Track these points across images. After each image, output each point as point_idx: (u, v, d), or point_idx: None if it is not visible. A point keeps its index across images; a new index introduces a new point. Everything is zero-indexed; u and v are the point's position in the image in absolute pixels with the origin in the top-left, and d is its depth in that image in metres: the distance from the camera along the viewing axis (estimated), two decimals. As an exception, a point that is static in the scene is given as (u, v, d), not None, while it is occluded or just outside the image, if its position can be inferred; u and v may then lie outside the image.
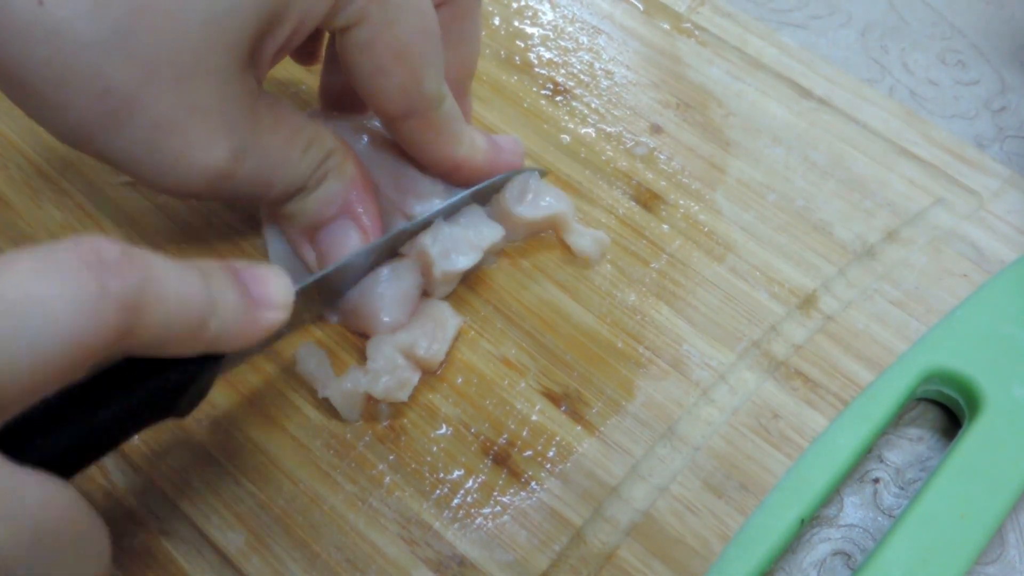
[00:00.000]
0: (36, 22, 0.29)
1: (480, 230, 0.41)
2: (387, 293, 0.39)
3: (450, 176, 0.41)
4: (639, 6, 0.54)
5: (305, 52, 0.44)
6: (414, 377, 0.38)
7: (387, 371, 0.37)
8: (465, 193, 0.41)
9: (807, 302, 0.43)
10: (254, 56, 0.33)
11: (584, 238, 0.43)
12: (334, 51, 0.40)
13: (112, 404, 0.27)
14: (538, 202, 0.43)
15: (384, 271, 0.39)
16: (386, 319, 0.39)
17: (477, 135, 0.41)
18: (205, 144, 0.33)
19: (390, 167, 0.42)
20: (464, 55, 0.41)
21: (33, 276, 0.22)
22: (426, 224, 0.40)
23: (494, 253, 0.43)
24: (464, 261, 0.40)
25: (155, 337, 0.25)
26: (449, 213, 0.41)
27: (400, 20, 0.35)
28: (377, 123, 0.43)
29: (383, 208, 0.41)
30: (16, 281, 0.22)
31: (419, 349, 0.38)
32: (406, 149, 0.40)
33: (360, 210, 0.39)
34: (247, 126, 0.34)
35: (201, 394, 0.30)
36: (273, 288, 0.30)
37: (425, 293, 0.41)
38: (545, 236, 0.44)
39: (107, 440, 0.27)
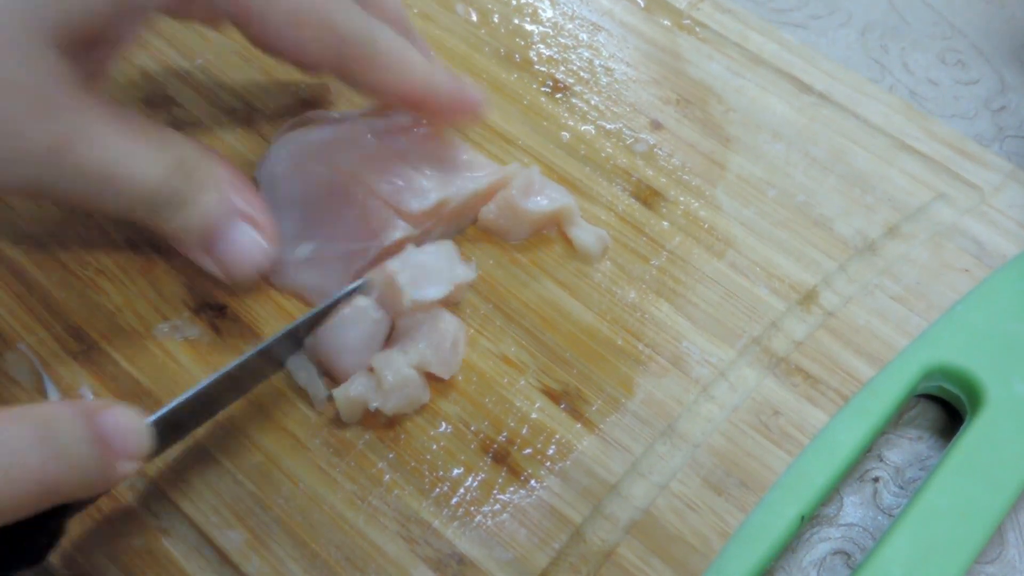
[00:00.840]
0: None
1: (453, 266, 0.40)
2: (350, 335, 0.38)
3: (423, 110, 0.41)
4: (639, 2, 0.54)
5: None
6: (425, 395, 0.38)
7: (399, 388, 0.37)
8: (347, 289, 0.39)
9: (807, 298, 0.43)
10: (75, 41, 0.32)
11: (587, 232, 0.43)
12: None
13: None
14: (543, 197, 0.43)
15: (346, 311, 0.38)
16: (349, 363, 0.38)
17: (436, 64, 0.41)
18: (22, 123, 0.31)
19: (384, 165, 0.42)
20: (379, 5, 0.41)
21: None
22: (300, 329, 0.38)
23: (462, 291, 0.41)
24: (435, 292, 0.39)
25: None
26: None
27: None
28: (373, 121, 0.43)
29: (375, 209, 0.41)
30: None
31: (432, 367, 0.38)
32: (374, 96, 0.40)
33: (246, 206, 0.37)
34: (70, 111, 0.32)
35: (53, 540, 0.29)
36: (130, 437, 0.29)
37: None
38: (544, 233, 0.44)
39: None
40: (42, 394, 0.38)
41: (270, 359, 0.38)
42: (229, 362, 0.36)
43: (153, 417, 0.32)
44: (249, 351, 0.36)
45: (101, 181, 0.33)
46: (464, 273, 0.40)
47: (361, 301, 0.39)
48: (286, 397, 0.39)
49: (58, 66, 0.32)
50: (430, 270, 0.39)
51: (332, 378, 0.39)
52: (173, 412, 0.33)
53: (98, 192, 0.34)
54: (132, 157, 0.34)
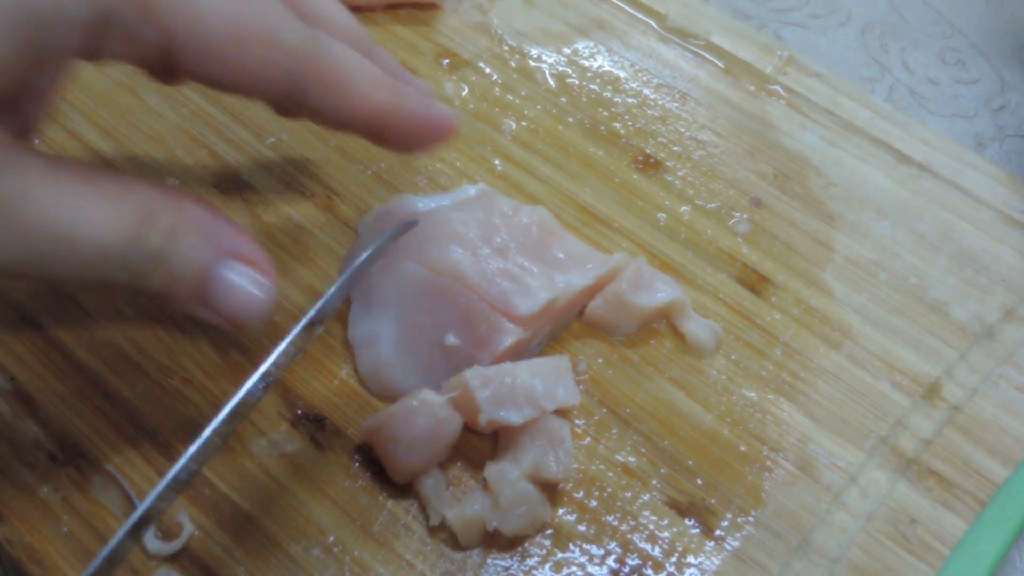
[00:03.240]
0: None
1: (555, 386, 0.37)
2: (410, 429, 0.35)
3: (388, 135, 0.35)
4: (718, 63, 0.52)
5: (163, 76, 0.37)
6: (546, 512, 0.36)
7: (516, 505, 0.35)
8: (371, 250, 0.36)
9: (931, 391, 0.41)
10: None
11: (700, 326, 0.41)
12: None
13: None
14: (653, 290, 0.41)
15: (412, 402, 0.36)
16: (404, 458, 0.36)
17: (404, 77, 0.36)
18: None
19: (486, 264, 0.40)
20: (322, 14, 0.36)
21: None
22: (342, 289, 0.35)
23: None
24: (516, 417, 0.36)
25: None
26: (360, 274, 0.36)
27: (207, 9, 0.30)
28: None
29: (482, 313, 0.38)
30: None
31: (547, 470, 0.36)
32: (334, 128, 0.35)
33: (234, 244, 0.32)
34: (3, 174, 0.28)
35: None
36: None
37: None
38: (653, 327, 0.42)
39: None
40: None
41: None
42: (331, 476, 0.34)
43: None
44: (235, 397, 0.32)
45: (54, 244, 0.29)
46: (564, 397, 0.37)
47: (428, 395, 0.36)
48: (396, 518, 0.36)
49: None
50: (520, 389, 0.37)
51: (389, 475, 0.36)
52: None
53: (55, 257, 0.29)
54: (87, 213, 0.29)
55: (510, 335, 0.38)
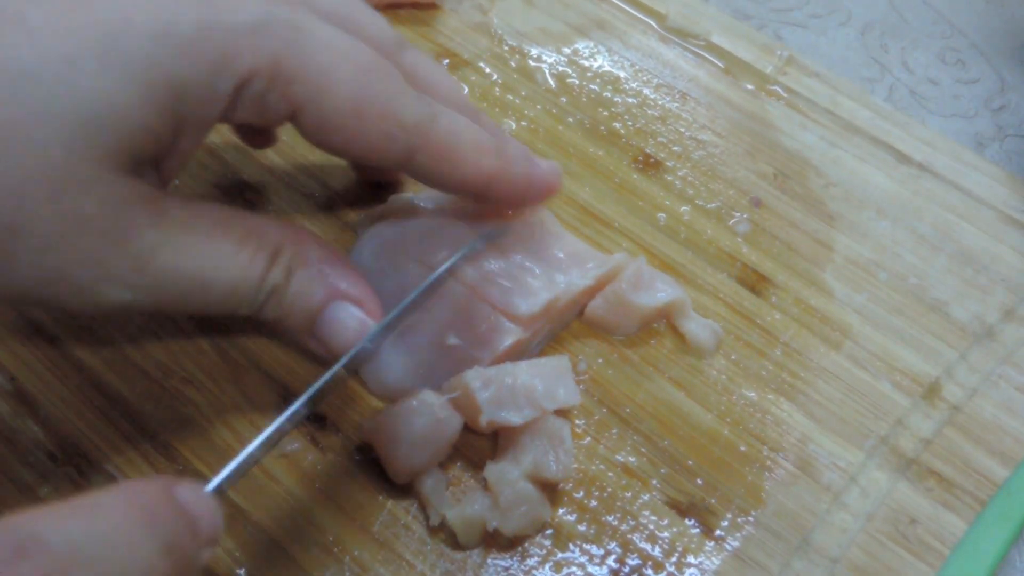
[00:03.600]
0: None
1: (555, 387, 0.37)
2: (410, 428, 0.35)
3: (488, 197, 0.37)
4: (718, 63, 0.52)
5: (255, 136, 0.42)
6: (546, 512, 0.36)
7: (516, 505, 0.35)
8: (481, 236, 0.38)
9: (931, 391, 0.41)
10: (140, 162, 0.31)
11: (700, 326, 0.41)
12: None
13: None
14: (654, 290, 0.40)
15: (412, 402, 0.36)
16: (404, 458, 0.36)
17: (509, 142, 0.38)
18: (101, 252, 0.30)
19: (486, 264, 0.39)
20: (432, 82, 0.38)
21: None
22: (431, 286, 0.37)
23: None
24: (516, 417, 0.36)
25: None
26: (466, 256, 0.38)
27: (333, 81, 0.32)
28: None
29: (482, 313, 0.38)
30: None
31: (547, 470, 0.35)
32: (433, 186, 0.37)
33: (345, 286, 0.35)
34: (147, 227, 0.31)
35: None
36: (208, 518, 0.26)
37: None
38: (653, 327, 0.42)
39: None
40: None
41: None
42: (331, 475, 0.34)
43: (214, 484, 0.29)
44: (311, 389, 0.34)
45: (193, 290, 0.32)
46: (565, 397, 0.37)
47: (428, 395, 0.36)
48: (396, 518, 0.36)
49: (125, 188, 0.30)
50: (520, 390, 0.37)
51: (389, 475, 0.36)
52: (235, 471, 0.31)
53: (191, 300, 0.32)
54: (222, 258, 0.32)
55: (510, 335, 0.38)
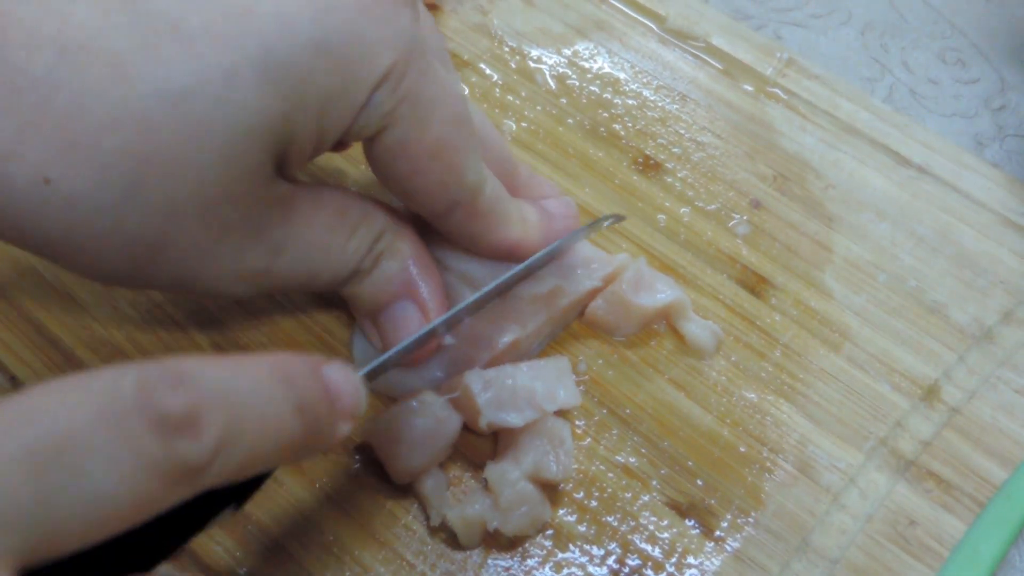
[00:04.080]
0: (46, 200, 0.27)
1: (555, 388, 0.37)
2: (409, 429, 0.36)
3: (508, 259, 0.39)
4: (718, 65, 0.52)
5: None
6: (546, 513, 0.36)
7: (517, 505, 0.35)
8: (528, 262, 0.38)
9: (930, 393, 0.41)
10: (281, 169, 0.31)
11: (700, 327, 0.41)
12: None
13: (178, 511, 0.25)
14: (654, 291, 0.41)
15: (411, 403, 0.36)
16: (404, 459, 0.36)
17: (527, 208, 0.39)
18: (236, 256, 0.31)
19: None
20: (485, 142, 0.38)
21: (92, 424, 0.20)
22: (485, 298, 0.37)
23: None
24: (516, 419, 0.36)
25: (229, 477, 0.23)
26: (515, 280, 0.38)
27: (433, 117, 0.32)
28: None
29: (450, 283, 0.39)
30: (74, 424, 0.20)
31: (548, 471, 0.36)
32: (456, 242, 0.38)
33: (420, 289, 0.36)
34: (279, 225, 0.32)
35: (256, 487, 0.29)
36: (351, 395, 0.27)
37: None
38: (653, 328, 0.42)
39: (173, 542, 0.27)
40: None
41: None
42: (332, 475, 0.35)
43: (365, 370, 0.32)
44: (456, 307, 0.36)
45: (306, 277, 0.34)
46: (565, 399, 0.37)
47: (428, 396, 0.36)
48: (396, 518, 0.36)
49: (266, 193, 0.31)
50: (520, 391, 0.37)
51: (389, 475, 0.36)
52: (381, 364, 0.33)
53: (302, 285, 0.34)
54: (334, 249, 0.34)
55: (509, 333, 0.38)
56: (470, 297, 0.37)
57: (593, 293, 0.41)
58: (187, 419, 0.21)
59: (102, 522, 0.20)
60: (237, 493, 0.27)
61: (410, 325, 0.36)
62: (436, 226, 0.37)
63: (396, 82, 0.31)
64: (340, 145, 0.39)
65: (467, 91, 0.49)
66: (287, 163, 0.31)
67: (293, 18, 0.28)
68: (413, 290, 0.36)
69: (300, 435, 0.24)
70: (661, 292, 0.41)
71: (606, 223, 0.41)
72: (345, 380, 0.27)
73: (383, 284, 0.36)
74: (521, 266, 0.38)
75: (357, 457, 0.37)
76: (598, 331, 0.42)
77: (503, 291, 0.38)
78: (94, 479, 0.20)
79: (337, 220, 0.34)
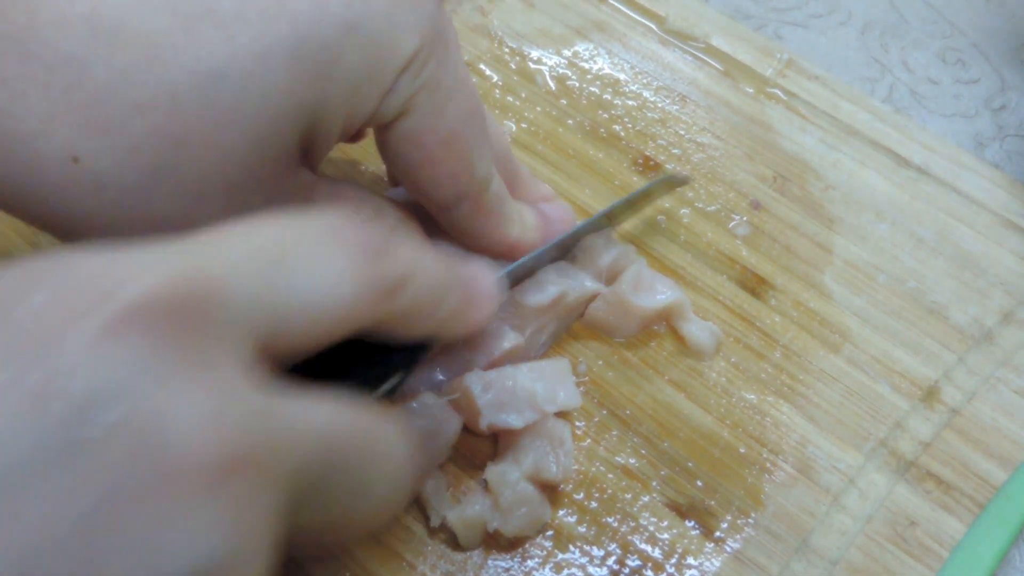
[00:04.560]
0: (75, 179, 0.27)
1: (555, 389, 0.37)
2: (415, 427, 0.35)
3: (504, 257, 0.39)
4: (718, 66, 0.52)
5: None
6: (546, 513, 0.36)
7: (516, 506, 0.35)
8: (542, 249, 0.39)
9: (930, 394, 0.41)
10: (306, 155, 0.32)
11: (700, 328, 0.41)
12: None
13: (346, 377, 0.29)
14: (654, 292, 0.41)
15: (412, 404, 0.36)
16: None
17: (526, 211, 0.39)
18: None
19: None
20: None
21: (321, 244, 0.24)
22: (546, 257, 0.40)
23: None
24: (517, 420, 0.36)
25: (403, 316, 0.27)
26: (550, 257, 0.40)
27: (450, 106, 0.32)
28: None
29: None
30: (307, 244, 0.24)
31: (548, 472, 0.36)
32: (456, 236, 0.38)
33: None
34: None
35: (417, 359, 0.32)
36: (488, 283, 0.32)
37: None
38: (653, 329, 0.42)
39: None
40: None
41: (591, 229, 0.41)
42: None
43: (504, 271, 0.37)
44: (581, 223, 0.40)
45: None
46: (565, 400, 0.37)
47: (428, 398, 0.36)
48: (396, 518, 0.36)
49: (290, 179, 0.31)
50: (520, 393, 0.37)
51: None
52: (519, 266, 0.38)
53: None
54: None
55: (507, 340, 0.38)
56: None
57: (594, 295, 0.41)
58: (385, 245, 0.25)
59: (321, 320, 0.24)
60: (401, 362, 0.31)
61: None
62: (439, 220, 0.37)
63: (419, 68, 0.31)
64: (357, 135, 0.40)
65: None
66: (313, 149, 0.32)
67: (325, 1, 0.28)
68: None
69: (452, 297, 0.29)
70: (661, 293, 0.41)
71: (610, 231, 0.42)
72: (482, 270, 0.32)
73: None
74: (554, 241, 0.40)
75: (357, 458, 0.37)
76: (598, 332, 0.42)
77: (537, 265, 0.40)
78: (313, 280, 0.23)
79: (353, 213, 0.34)
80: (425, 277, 0.27)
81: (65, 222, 0.29)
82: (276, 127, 0.29)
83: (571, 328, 0.42)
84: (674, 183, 0.44)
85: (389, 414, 0.26)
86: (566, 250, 0.41)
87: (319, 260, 0.24)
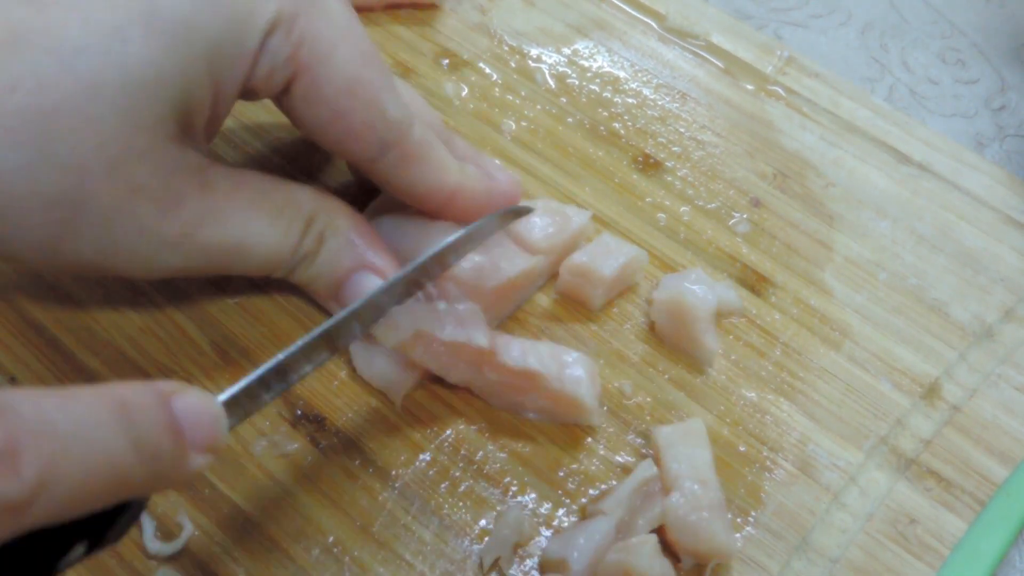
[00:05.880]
0: None
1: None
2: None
3: (449, 210, 0.38)
4: (718, 63, 0.52)
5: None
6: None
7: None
8: (474, 226, 0.38)
9: (931, 391, 0.41)
10: (186, 129, 0.32)
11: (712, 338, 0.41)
12: None
13: (34, 551, 0.23)
14: (610, 253, 0.41)
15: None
16: None
17: (467, 164, 0.39)
18: (155, 219, 0.32)
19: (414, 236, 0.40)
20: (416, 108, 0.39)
21: None
22: (444, 252, 0.37)
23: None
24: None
25: (55, 516, 0.21)
26: (465, 243, 0.38)
27: (337, 54, 0.33)
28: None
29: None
30: None
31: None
32: (397, 195, 0.38)
33: (370, 257, 0.37)
34: (196, 197, 0.33)
35: (128, 524, 0.25)
36: (206, 425, 0.25)
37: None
38: (649, 328, 0.42)
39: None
40: (138, 527, 0.35)
41: (347, 330, 0.34)
42: (332, 478, 0.35)
43: (225, 396, 0.28)
44: (326, 322, 0.33)
45: (235, 256, 0.34)
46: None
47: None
48: (396, 518, 0.36)
49: (175, 157, 0.32)
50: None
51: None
52: (246, 389, 0.29)
53: (233, 265, 0.35)
54: (261, 227, 0.34)
55: (522, 261, 0.39)
56: (429, 252, 0.36)
57: (532, 271, 0.41)
58: (3, 454, 0.20)
59: None
60: (90, 530, 0.24)
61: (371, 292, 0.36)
62: (372, 177, 0.37)
63: (289, 26, 0.32)
64: (252, 96, 0.39)
65: (466, 90, 0.49)
66: (192, 123, 0.32)
67: None
68: (365, 260, 0.37)
69: (140, 470, 0.23)
70: (619, 253, 0.41)
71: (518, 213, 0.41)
72: (200, 410, 0.25)
73: (333, 262, 0.37)
74: (463, 231, 0.37)
75: (357, 457, 0.37)
76: (574, 303, 0.42)
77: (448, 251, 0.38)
78: None
79: (259, 199, 0.34)
80: (74, 473, 0.21)
81: None
82: (141, 97, 0.30)
83: (553, 308, 0.42)
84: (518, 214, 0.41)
85: None
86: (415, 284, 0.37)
87: None
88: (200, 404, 0.25)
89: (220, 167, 0.34)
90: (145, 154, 0.31)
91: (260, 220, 0.34)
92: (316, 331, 0.32)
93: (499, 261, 0.39)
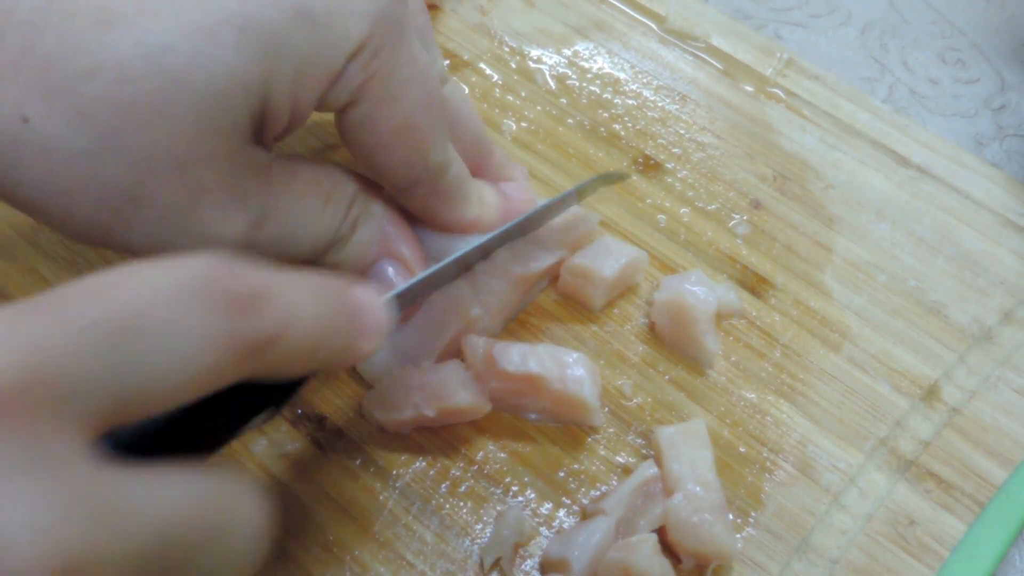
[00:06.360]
0: (23, 139, 0.28)
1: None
2: None
3: (464, 234, 0.39)
4: (718, 65, 0.52)
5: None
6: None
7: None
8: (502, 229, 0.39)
9: (930, 393, 0.41)
10: (258, 136, 0.32)
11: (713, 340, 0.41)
12: None
13: (221, 410, 0.27)
14: (611, 255, 0.41)
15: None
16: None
17: (486, 190, 0.40)
18: (218, 221, 0.32)
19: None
20: (456, 111, 0.39)
21: (177, 306, 0.22)
22: (477, 253, 0.39)
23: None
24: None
25: (277, 366, 0.24)
26: (495, 244, 0.39)
27: (404, 95, 0.33)
28: None
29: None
30: (161, 308, 0.21)
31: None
32: (415, 215, 0.38)
33: (399, 247, 0.37)
34: (260, 194, 0.32)
35: (295, 391, 0.29)
36: (375, 313, 0.28)
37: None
38: (650, 329, 0.42)
39: (213, 441, 0.28)
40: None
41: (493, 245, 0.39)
42: (332, 478, 0.35)
43: (392, 293, 0.33)
44: (480, 239, 0.38)
45: (286, 246, 0.34)
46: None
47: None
48: (396, 518, 0.36)
49: (244, 159, 0.31)
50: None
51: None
52: (408, 289, 0.34)
53: (280, 254, 0.34)
54: (313, 216, 0.34)
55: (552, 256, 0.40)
56: (455, 254, 0.37)
57: (552, 268, 0.41)
58: (253, 298, 0.23)
59: (177, 390, 0.22)
60: (276, 396, 0.28)
61: (396, 282, 0.37)
62: (397, 198, 0.38)
63: (370, 56, 0.31)
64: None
65: (467, 91, 0.49)
66: (264, 129, 0.32)
67: None
68: (392, 248, 0.37)
69: (329, 343, 0.26)
70: (619, 255, 0.41)
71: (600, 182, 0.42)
72: (372, 301, 0.28)
73: (363, 247, 0.37)
74: (504, 228, 0.39)
75: (357, 457, 0.37)
76: (575, 303, 0.42)
77: (480, 256, 0.39)
78: (166, 350, 0.21)
79: (312, 188, 0.34)
80: (301, 327, 0.24)
81: (15, 184, 0.29)
82: (223, 102, 0.29)
83: (550, 306, 0.42)
84: (611, 179, 0.44)
85: (241, 477, 0.23)
86: (524, 231, 0.40)
87: (174, 327, 0.21)
88: (370, 296, 0.28)
89: (279, 161, 0.34)
90: (214, 159, 0.30)
91: (313, 208, 0.34)
92: (461, 250, 0.37)
93: (529, 254, 0.40)
